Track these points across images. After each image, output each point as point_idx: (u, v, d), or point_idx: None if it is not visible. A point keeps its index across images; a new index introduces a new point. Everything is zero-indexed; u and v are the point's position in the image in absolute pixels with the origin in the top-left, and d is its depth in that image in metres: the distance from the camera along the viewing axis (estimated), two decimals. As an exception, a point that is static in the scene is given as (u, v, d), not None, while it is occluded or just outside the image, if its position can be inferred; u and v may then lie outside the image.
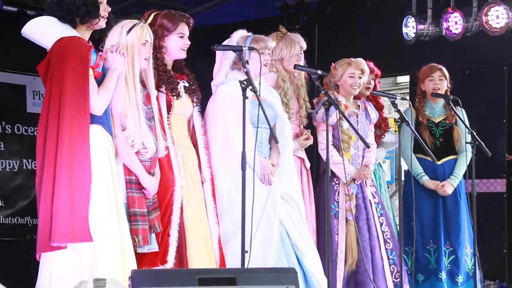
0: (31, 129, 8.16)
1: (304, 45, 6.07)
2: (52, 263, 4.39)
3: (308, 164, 6.13)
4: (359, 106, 6.37)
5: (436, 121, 6.75)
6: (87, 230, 4.32)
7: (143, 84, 4.90)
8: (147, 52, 4.82)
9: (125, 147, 4.72)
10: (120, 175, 4.75)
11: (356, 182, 6.20)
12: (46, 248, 4.34)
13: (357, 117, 6.29)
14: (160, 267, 4.86)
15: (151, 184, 4.81)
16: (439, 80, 6.72)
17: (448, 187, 6.63)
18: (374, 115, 6.43)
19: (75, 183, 4.33)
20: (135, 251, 4.80)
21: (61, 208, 4.28)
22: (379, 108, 6.74)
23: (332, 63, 6.35)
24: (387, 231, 6.27)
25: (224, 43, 5.61)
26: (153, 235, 4.83)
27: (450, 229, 6.64)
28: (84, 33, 4.56)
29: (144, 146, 4.75)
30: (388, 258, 6.20)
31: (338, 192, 6.16)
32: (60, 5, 4.50)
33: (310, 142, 6.04)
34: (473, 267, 6.59)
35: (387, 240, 6.24)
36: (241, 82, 4.85)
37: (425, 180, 6.66)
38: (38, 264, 4.54)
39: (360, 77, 6.27)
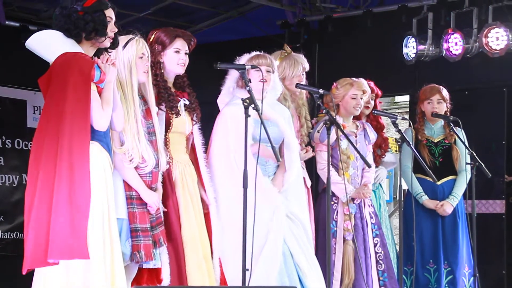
0: (31, 144, 8.13)
1: (307, 66, 6.09)
2: (47, 280, 4.35)
3: (309, 183, 6.13)
4: (357, 126, 6.38)
5: (435, 141, 6.76)
6: (85, 247, 4.29)
7: (144, 99, 4.91)
8: (144, 66, 4.82)
9: (124, 162, 4.70)
10: (120, 191, 4.73)
11: (355, 201, 6.20)
12: (39, 263, 4.29)
13: (355, 136, 6.30)
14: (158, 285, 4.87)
15: (152, 199, 4.79)
16: (438, 104, 6.72)
17: (447, 207, 6.63)
18: (373, 135, 6.44)
19: (75, 200, 4.29)
20: (141, 267, 4.80)
21: (61, 224, 4.25)
22: (380, 128, 6.74)
23: (334, 83, 6.35)
24: (381, 252, 6.27)
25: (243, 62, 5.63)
26: (158, 251, 4.81)
27: (448, 249, 6.64)
28: (88, 50, 4.54)
29: (143, 160, 4.74)
30: (379, 279, 6.21)
31: (337, 212, 6.15)
32: (68, 18, 4.48)
33: (310, 155, 6.04)
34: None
35: (380, 261, 6.25)
36: (243, 100, 4.87)
37: (425, 200, 6.66)
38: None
39: (362, 98, 6.29)
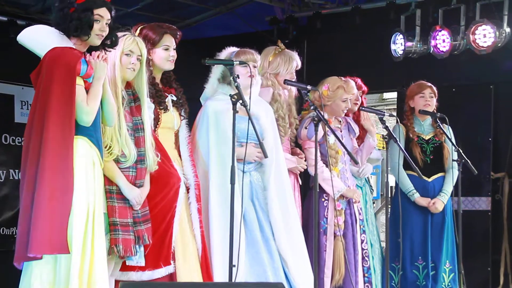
0: (18, 139, 8.15)
1: (300, 64, 6.08)
2: (32, 276, 4.36)
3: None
4: (340, 121, 6.39)
5: (426, 138, 6.75)
6: (65, 242, 4.28)
7: (136, 96, 4.90)
8: (130, 63, 4.81)
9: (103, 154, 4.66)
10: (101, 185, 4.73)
11: (345, 198, 6.22)
12: (23, 258, 4.31)
13: (340, 131, 6.32)
14: (163, 268, 4.89)
15: (132, 195, 4.74)
16: (430, 97, 6.71)
17: (439, 204, 6.62)
18: (356, 128, 6.47)
19: (55, 194, 4.28)
20: (124, 263, 4.79)
21: (40, 218, 4.25)
22: (365, 124, 6.76)
23: (326, 84, 6.30)
24: (367, 249, 6.30)
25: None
26: (142, 249, 4.78)
27: (433, 245, 6.65)
28: (79, 46, 4.53)
29: (123, 154, 4.72)
30: (364, 276, 6.24)
31: (327, 208, 6.17)
32: (59, 11, 4.50)
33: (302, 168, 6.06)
34: (449, 284, 6.58)
35: (365, 258, 6.28)
36: (231, 96, 4.87)
37: (417, 197, 6.64)
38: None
39: (350, 99, 6.31)
